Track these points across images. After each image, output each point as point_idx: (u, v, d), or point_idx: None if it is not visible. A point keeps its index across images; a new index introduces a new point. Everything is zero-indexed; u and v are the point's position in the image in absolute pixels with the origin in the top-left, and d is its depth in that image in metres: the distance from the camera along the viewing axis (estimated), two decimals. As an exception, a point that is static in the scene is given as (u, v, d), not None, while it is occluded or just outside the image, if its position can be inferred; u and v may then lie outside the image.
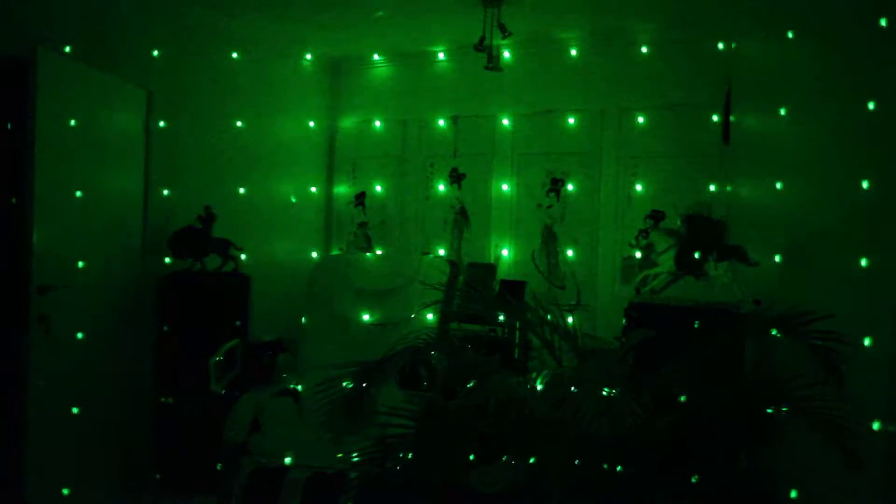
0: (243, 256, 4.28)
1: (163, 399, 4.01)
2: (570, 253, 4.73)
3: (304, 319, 4.38)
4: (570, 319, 2.88)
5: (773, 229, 3.26)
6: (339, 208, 5.50)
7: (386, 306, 4.26)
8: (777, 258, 3.11)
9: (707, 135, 4.32)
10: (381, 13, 4.25)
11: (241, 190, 4.61)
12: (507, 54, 4.72)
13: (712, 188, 4.32)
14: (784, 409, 2.32)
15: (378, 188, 5.34)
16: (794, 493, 2.54)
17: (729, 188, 4.26)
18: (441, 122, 5.13)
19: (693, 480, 2.33)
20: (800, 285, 2.92)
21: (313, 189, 5.39)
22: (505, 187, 4.95)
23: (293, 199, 5.17)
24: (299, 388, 3.70)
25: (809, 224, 2.88)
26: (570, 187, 4.73)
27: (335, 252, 5.32)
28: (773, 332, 2.44)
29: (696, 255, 3.13)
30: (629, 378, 2.26)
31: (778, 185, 3.17)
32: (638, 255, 4.21)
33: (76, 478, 3.51)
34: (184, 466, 3.92)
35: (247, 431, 3.52)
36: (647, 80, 4.52)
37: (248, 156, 4.70)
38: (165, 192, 4.15)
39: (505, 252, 4.89)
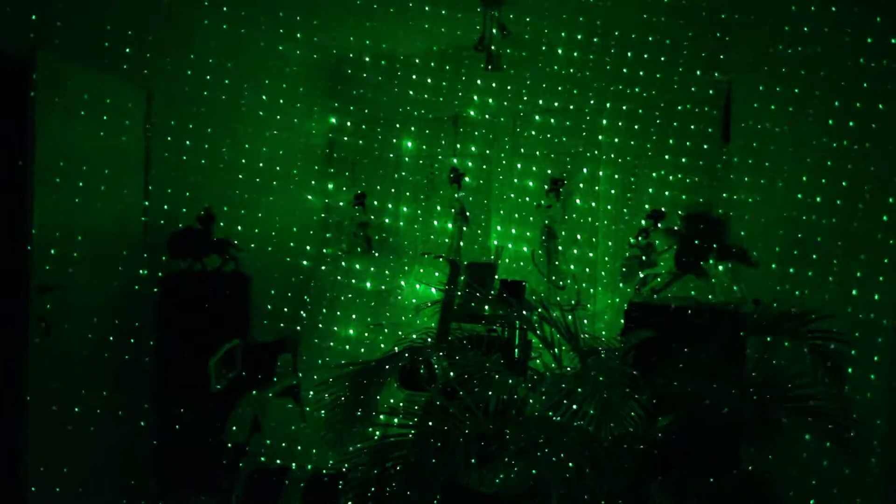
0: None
1: (163, 399, 4.01)
2: (570, 253, 4.72)
3: (304, 319, 4.38)
4: (569, 319, 2.88)
5: (773, 229, 3.26)
6: (338, 208, 5.50)
7: (386, 306, 4.27)
8: (777, 258, 3.11)
9: (707, 134, 4.32)
10: None
11: (241, 190, 4.60)
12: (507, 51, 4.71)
13: (712, 188, 4.31)
14: (784, 408, 2.32)
15: (378, 188, 5.33)
16: (793, 493, 2.54)
17: (728, 187, 4.25)
18: (441, 122, 5.12)
19: (693, 480, 2.32)
20: (800, 285, 2.93)
21: (313, 189, 5.38)
22: (505, 186, 4.94)
23: (293, 200, 5.16)
24: (298, 381, 3.70)
25: (810, 224, 2.88)
26: (569, 187, 4.73)
27: (335, 252, 5.31)
28: (773, 332, 2.44)
29: (696, 255, 3.13)
30: (630, 378, 2.26)
31: (778, 185, 3.17)
32: (638, 254, 4.20)
33: (76, 478, 3.51)
34: (183, 467, 3.91)
35: (247, 431, 3.52)
36: (647, 79, 4.52)
37: (248, 156, 4.70)
38: (165, 192, 4.15)
39: (503, 250, 4.87)
